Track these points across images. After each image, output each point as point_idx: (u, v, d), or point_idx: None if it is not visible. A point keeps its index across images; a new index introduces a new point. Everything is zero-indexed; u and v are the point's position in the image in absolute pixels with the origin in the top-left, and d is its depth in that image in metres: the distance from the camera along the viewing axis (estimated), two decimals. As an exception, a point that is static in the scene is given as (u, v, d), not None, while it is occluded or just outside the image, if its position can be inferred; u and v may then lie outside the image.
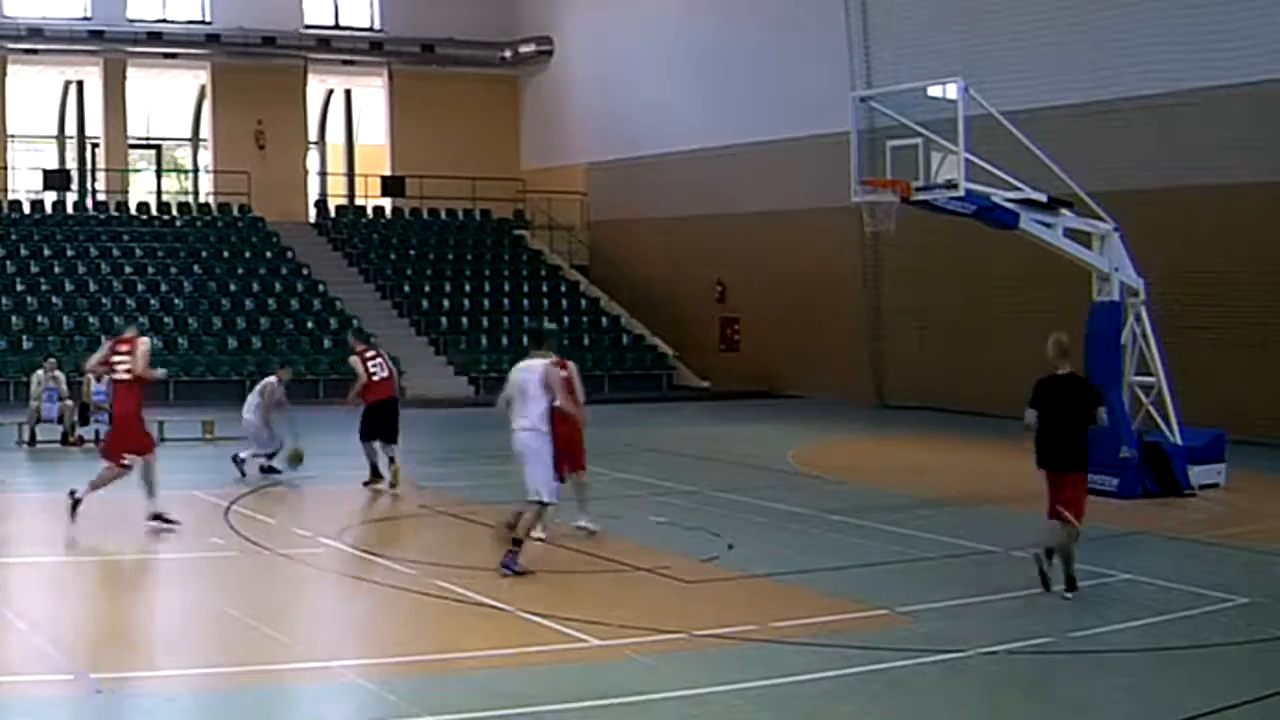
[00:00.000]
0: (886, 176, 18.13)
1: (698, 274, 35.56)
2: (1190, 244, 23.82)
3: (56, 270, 33.59)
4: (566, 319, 36.44)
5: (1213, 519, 16.00)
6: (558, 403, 12.75)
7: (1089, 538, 14.77)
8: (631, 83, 37.01)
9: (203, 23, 38.34)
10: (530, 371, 12.71)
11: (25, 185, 38.39)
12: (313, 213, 39.98)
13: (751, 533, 14.79)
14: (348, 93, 42.97)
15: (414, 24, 40.12)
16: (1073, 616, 11.23)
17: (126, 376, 14.98)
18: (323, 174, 42.52)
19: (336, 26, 40.29)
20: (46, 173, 38.29)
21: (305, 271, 36.10)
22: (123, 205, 37.56)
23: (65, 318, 31.94)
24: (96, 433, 22.43)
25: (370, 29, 40.65)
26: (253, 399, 19.61)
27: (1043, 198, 18.11)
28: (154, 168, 41.66)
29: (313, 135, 41.99)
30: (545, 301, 37.06)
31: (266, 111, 38.99)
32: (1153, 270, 18.88)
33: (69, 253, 34.37)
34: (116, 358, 15.06)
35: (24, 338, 30.84)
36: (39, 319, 31.69)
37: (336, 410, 29.33)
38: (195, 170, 41.89)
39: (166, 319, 32.63)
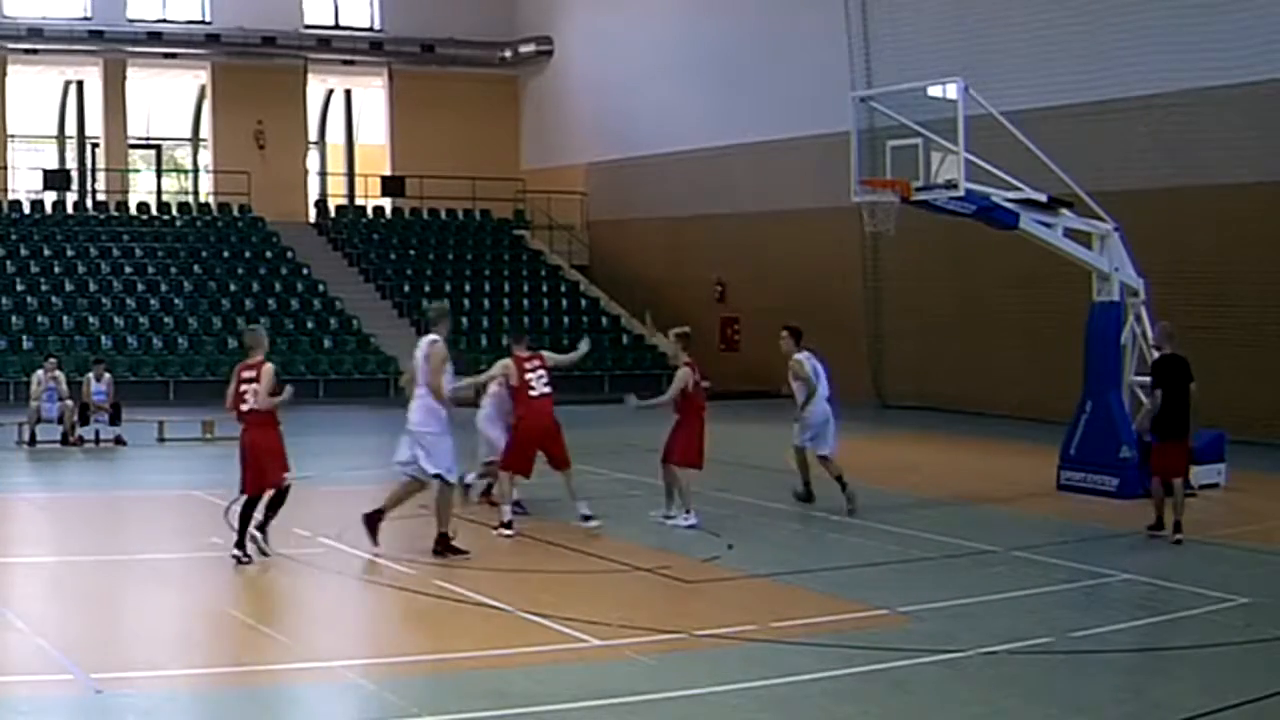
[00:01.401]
0: (886, 176, 18.12)
1: (698, 274, 35.54)
2: (1190, 244, 23.82)
3: (56, 270, 33.60)
4: (566, 319, 36.45)
5: (1213, 519, 15.99)
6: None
7: (1087, 537, 14.84)
8: (631, 83, 37.00)
9: (203, 23, 38.34)
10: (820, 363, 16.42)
11: (25, 185, 38.40)
12: (313, 213, 39.97)
13: (751, 533, 14.79)
14: (348, 93, 42.97)
15: (414, 24, 40.12)
16: (1073, 616, 11.23)
17: (549, 390, 14.88)
18: (323, 174, 42.51)
19: (336, 26, 40.29)
20: (46, 173, 38.30)
21: (305, 271, 36.11)
22: (123, 205, 37.56)
23: (65, 318, 31.96)
24: (97, 433, 22.47)
25: (370, 29, 40.65)
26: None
27: (1043, 198, 18.10)
28: (154, 168, 41.66)
29: (313, 135, 41.98)
30: (545, 301, 37.08)
31: (266, 111, 39.00)
32: (1153, 270, 18.88)
33: (69, 253, 34.38)
34: (532, 374, 14.77)
35: (24, 338, 30.86)
36: (39, 319, 31.70)
37: (336, 410, 29.40)
38: (195, 170, 41.90)
39: (166, 319, 32.66)
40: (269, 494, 13.17)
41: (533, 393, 14.88)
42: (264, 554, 13.09)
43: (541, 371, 14.99)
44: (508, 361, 15.17)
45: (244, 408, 13.05)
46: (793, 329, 16.41)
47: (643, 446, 22.79)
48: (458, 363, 37.39)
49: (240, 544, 12.87)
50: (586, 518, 14.80)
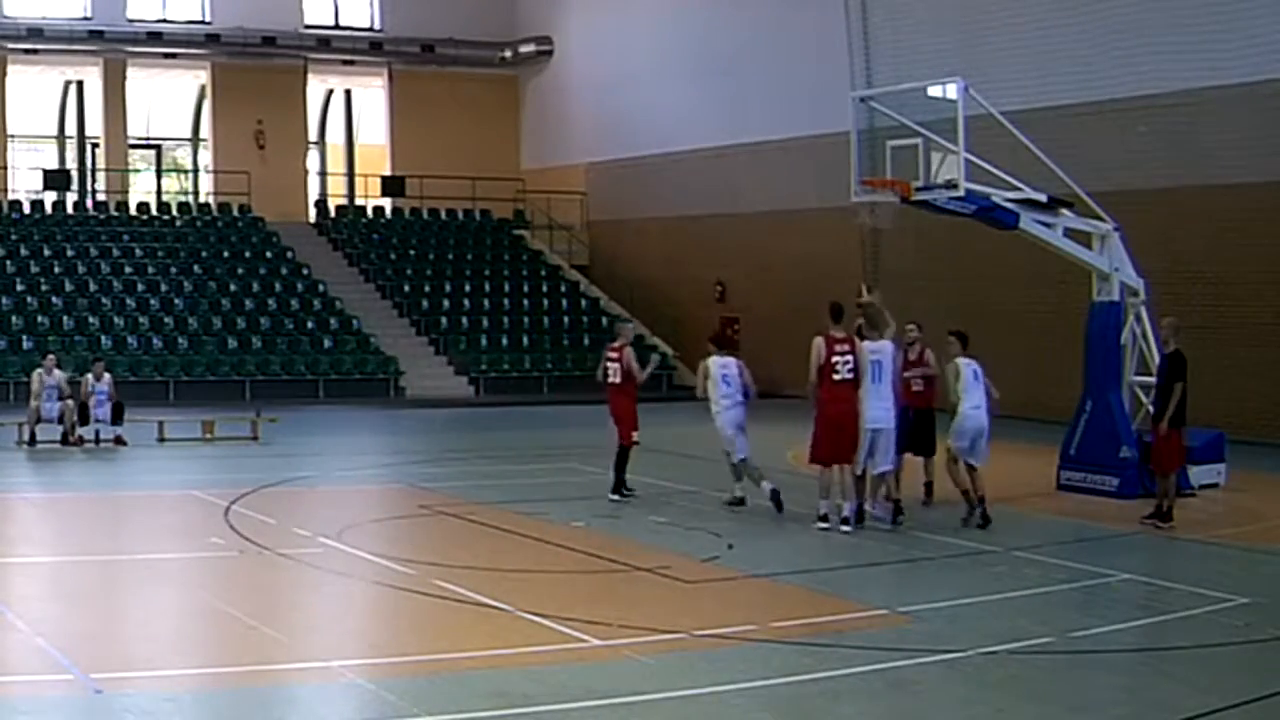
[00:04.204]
0: (886, 176, 18.12)
1: (698, 274, 35.54)
2: (1190, 244, 23.82)
3: (56, 270, 33.62)
4: (566, 319, 36.47)
5: (1213, 519, 15.99)
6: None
7: (1087, 537, 14.84)
8: (631, 83, 37.01)
9: (203, 23, 38.37)
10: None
11: (25, 185, 38.42)
12: (313, 213, 40.01)
13: (751, 533, 14.79)
14: (348, 93, 42.99)
15: (414, 24, 40.15)
16: (1073, 616, 11.23)
17: (851, 376, 14.67)
18: (323, 174, 42.54)
19: (336, 26, 40.32)
20: (46, 173, 38.33)
21: (305, 271, 36.12)
22: (123, 205, 37.58)
23: (65, 318, 31.97)
24: (97, 433, 22.45)
25: (370, 29, 40.68)
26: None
27: (1043, 198, 18.09)
28: (154, 168, 41.67)
29: (313, 135, 42.01)
30: (545, 301, 37.09)
31: (266, 111, 39.02)
32: (1152, 270, 18.87)
33: (69, 253, 34.40)
34: (839, 357, 14.58)
35: (24, 338, 30.86)
36: (39, 319, 31.72)
37: (336, 410, 29.36)
38: (195, 170, 41.91)
39: (166, 319, 32.67)
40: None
41: (836, 377, 14.54)
42: (628, 495, 16.62)
43: (850, 357, 14.60)
44: (818, 340, 14.68)
45: (609, 380, 16.83)
46: (959, 334, 16.09)
47: (641, 446, 22.79)
48: (459, 363, 37.31)
49: (616, 489, 16.61)
50: (845, 521, 14.60)
